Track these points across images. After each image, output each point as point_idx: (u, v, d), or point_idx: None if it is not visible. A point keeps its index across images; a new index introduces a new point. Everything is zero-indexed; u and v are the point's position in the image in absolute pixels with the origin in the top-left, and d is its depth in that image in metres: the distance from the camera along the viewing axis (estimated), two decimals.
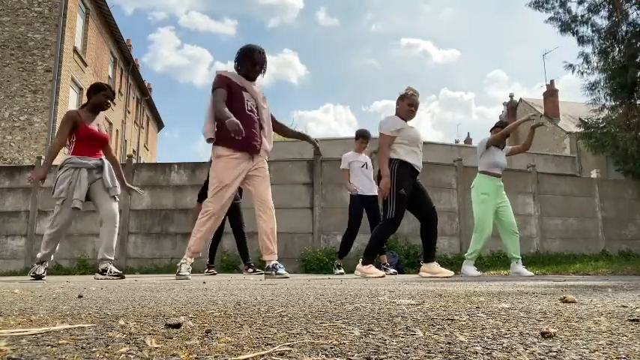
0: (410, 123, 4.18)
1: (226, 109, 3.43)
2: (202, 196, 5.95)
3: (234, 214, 5.70)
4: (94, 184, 4.02)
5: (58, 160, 4.34)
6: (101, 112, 4.23)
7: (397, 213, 3.96)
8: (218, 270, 6.07)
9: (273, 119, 3.93)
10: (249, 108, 3.65)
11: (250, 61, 3.67)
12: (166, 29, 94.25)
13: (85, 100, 4.31)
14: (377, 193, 5.40)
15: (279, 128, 4.06)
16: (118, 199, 4.12)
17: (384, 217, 4.07)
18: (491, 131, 5.15)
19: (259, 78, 3.79)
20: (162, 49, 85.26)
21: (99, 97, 4.11)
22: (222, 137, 3.60)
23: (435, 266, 4.12)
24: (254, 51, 3.68)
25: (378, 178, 4.15)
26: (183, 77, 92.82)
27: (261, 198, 3.65)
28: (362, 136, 5.71)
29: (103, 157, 4.17)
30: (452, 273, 4.11)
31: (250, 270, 5.73)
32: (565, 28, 12.81)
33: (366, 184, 5.54)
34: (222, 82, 3.61)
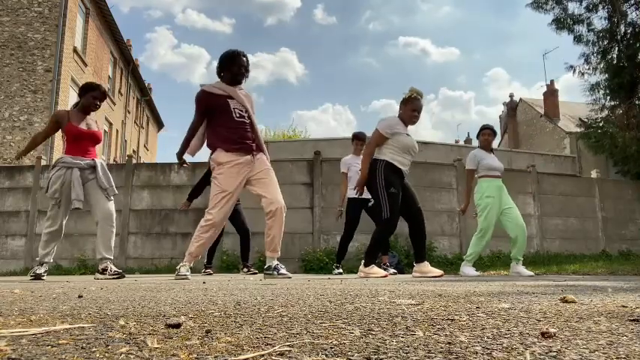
0: (410, 129, 4.16)
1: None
2: (192, 195, 5.95)
3: (234, 215, 5.70)
4: (88, 184, 4.00)
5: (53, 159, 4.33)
6: (93, 113, 4.21)
7: (392, 212, 3.90)
8: (218, 270, 6.06)
9: None
10: (238, 115, 3.63)
11: (236, 65, 3.66)
12: (163, 28, 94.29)
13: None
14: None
15: None
16: (112, 198, 4.10)
17: (379, 218, 4.01)
18: (477, 137, 5.25)
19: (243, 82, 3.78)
20: (158, 48, 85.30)
21: (87, 98, 4.10)
22: (218, 142, 3.61)
23: (425, 266, 4.09)
24: (236, 55, 3.67)
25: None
26: (180, 76, 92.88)
27: (272, 198, 3.60)
28: (357, 137, 5.71)
29: (97, 157, 4.16)
30: (441, 272, 4.07)
31: (245, 270, 5.74)
32: (561, 26, 12.78)
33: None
34: (200, 103, 3.63)
